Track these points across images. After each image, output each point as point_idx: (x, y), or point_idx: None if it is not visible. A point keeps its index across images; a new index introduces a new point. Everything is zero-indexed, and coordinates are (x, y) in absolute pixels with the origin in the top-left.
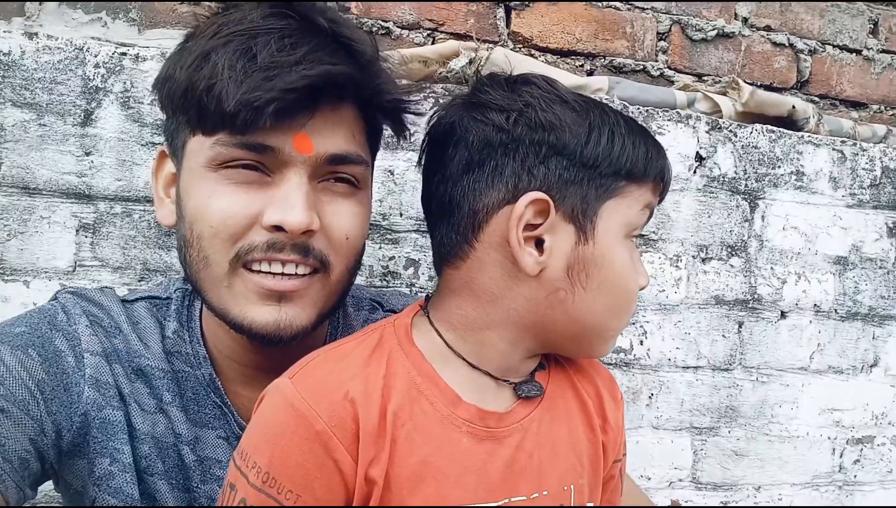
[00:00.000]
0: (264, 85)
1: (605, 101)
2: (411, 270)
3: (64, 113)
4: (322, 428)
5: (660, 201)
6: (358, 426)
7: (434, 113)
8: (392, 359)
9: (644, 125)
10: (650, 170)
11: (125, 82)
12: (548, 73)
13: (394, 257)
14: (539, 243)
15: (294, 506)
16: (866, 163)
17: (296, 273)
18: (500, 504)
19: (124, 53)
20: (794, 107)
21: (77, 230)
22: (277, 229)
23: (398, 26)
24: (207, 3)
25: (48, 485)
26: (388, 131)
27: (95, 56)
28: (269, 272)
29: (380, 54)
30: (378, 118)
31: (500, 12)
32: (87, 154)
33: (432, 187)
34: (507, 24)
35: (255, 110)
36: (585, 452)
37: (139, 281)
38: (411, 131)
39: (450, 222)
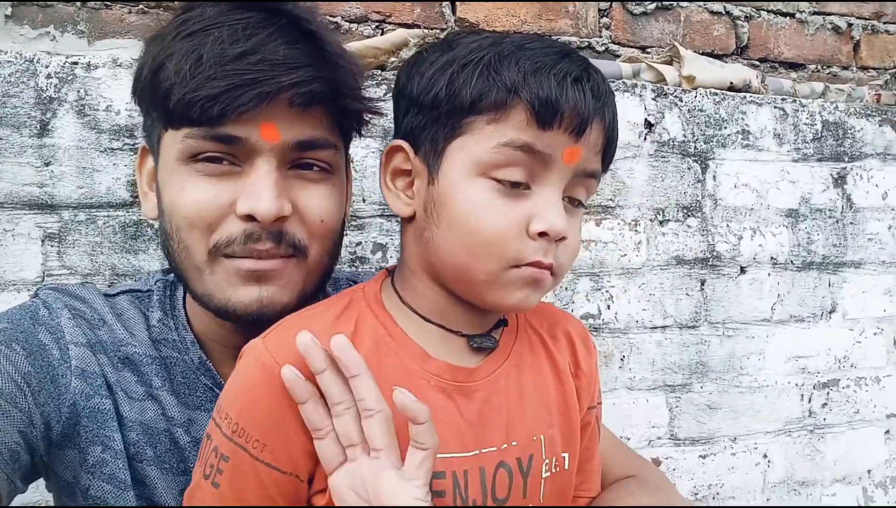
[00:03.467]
0: (208, 83)
1: None
2: (379, 254)
3: (19, 125)
4: None
5: (577, 134)
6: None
7: None
8: (361, 320)
9: (533, 48)
10: (500, 99)
11: (79, 91)
12: None
13: (360, 243)
14: None
15: (260, 456)
16: (807, 118)
17: (270, 258)
18: (471, 453)
19: (76, 63)
20: (731, 83)
21: (42, 240)
22: (250, 218)
23: (346, 20)
24: (156, 11)
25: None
26: None
27: (47, 67)
28: (248, 257)
29: (347, 52)
30: (341, 114)
31: (445, 0)
32: (47, 164)
33: None
34: (453, 12)
35: (202, 106)
36: (555, 403)
37: (109, 286)
38: (369, 126)
39: None
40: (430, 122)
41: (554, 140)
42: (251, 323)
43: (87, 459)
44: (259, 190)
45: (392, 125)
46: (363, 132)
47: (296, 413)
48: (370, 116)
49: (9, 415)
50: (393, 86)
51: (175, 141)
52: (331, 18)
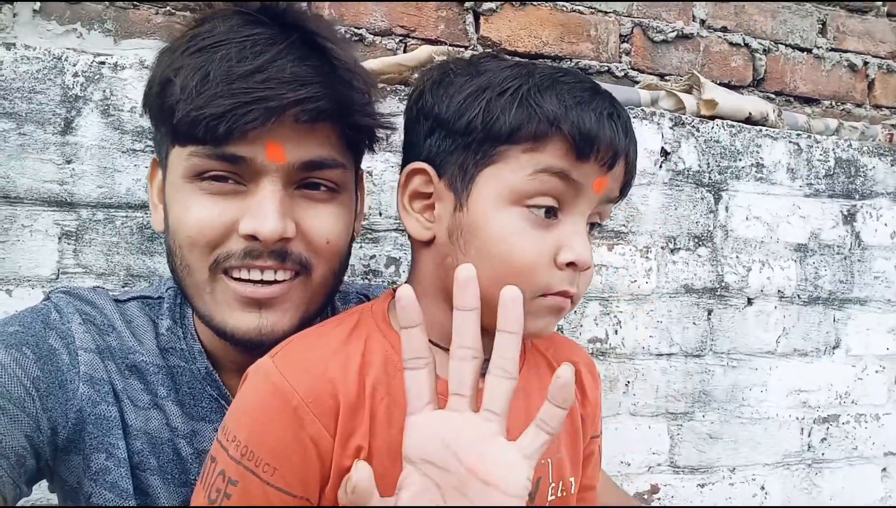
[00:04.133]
0: (213, 101)
1: None
2: (392, 268)
3: (44, 122)
4: (298, 403)
5: (609, 166)
6: (337, 402)
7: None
8: (370, 339)
9: (568, 82)
10: (541, 130)
11: (104, 91)
12: None
13: (374, 256)
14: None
15: (270, 480)
16: (820, 155)
17: (275, 279)
18: None
19: (103, 62)
20: (750, 113)
21: (59, 238)
22: (253, 238)
23: (371, 33)
24: (182, 13)
25: (45, 487)
26: None
27: (74, 65)
28: (248, 280)
29: (359, 67)
30: (350, 131)
31: (469, 18)
32: (69, 162)
33: None
34: (477, 30)
35: (206, 125)
36: (563, 428)
37: (123, 287)
38: (386, 141)
39: None
40: (459, 148)
41: (588, 170)
42: (250, 349)
43: (90, 466)
44: (263, 211)
45: None
46: (381, 147)
47: (309, 435)
48: (383, 132)
49: (16, 419)
50: (410, 103)
51: (181, 158)
52: (355, 31)
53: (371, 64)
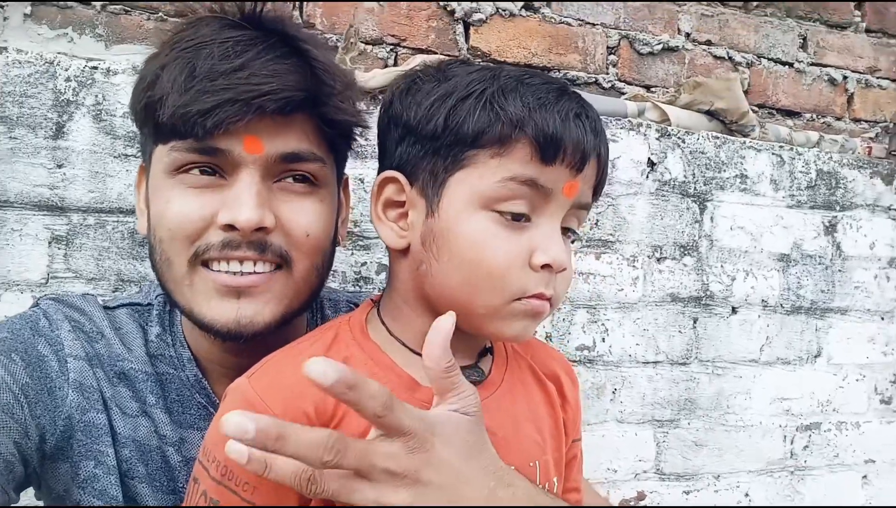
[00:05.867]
0: (200, 97)
1: None
2: (383, 274)
3: (35, 126)
4: None
5: (578, 169)
6: (312, 422)
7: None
8: (349, 354)
9: (533, 84)
10: (505, 133)
11: (97, 95)
12: None
13: (366, 263)
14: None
15: (251, 499)
16: (802, 166)
17: (254, 271)
18: None
19: (95, 67)
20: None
21: (49, 242)
22: (231, 228)
23: (362, 41)
24: (174, 19)
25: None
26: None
27: (66, 70)
28: (228, 271)
29: (336, 67)
30: (326, 126)
31: (460, 28)
32: (60, 166)
33: None
34: (466, 40)
35: (194, 121)
36: (547, 428)
37: (113, 292)
38: (360, 143)
39: None
40: (428, 153)
41: (555, 175)
42: (229, 339)
43: (78, 473)
44: (240, 200)
45: None
46: (371, 154)
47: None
48: (359, 128)
49: (5, 426)
50: (381, 112)
51: (163, 155)
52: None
53: (379, 78)
